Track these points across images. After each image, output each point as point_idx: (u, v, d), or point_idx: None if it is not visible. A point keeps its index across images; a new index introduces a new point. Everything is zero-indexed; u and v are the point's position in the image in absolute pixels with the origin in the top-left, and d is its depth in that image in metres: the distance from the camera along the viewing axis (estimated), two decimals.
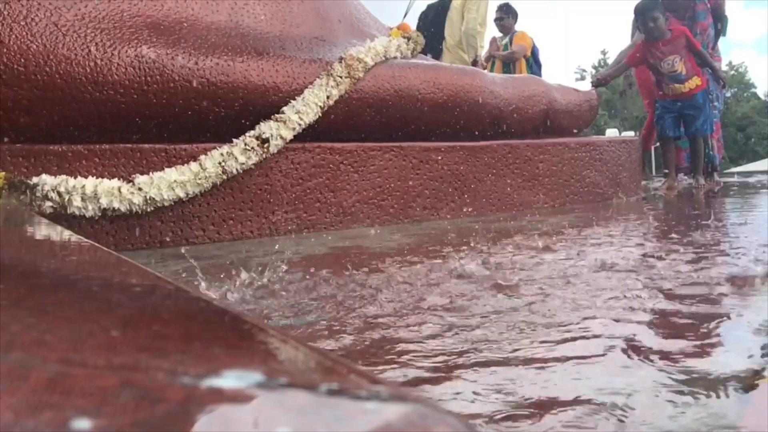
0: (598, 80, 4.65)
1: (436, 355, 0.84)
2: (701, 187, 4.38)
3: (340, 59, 2.53)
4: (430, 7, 5.84)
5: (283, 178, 2.39)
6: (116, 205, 1.99)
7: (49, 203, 1.89)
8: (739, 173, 7.61)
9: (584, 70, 34.59)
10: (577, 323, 0.97)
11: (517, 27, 5.97)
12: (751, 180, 5.48)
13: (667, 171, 4.82)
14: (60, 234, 0.91)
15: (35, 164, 1.99)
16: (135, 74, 2.10)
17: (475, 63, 5.34)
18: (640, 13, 4.34)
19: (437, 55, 5.37)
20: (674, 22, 4.43)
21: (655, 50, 4.28)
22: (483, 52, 5.28)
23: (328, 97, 2.42)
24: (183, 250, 1.80)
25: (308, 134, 2.40)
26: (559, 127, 3.48)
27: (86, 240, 0.79)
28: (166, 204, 2.09)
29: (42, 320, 0.31)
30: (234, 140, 2.24)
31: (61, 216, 1.91)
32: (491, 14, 5.81)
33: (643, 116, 6.11)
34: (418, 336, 0.94)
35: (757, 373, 0.72)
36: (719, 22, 4.75)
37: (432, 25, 5.59)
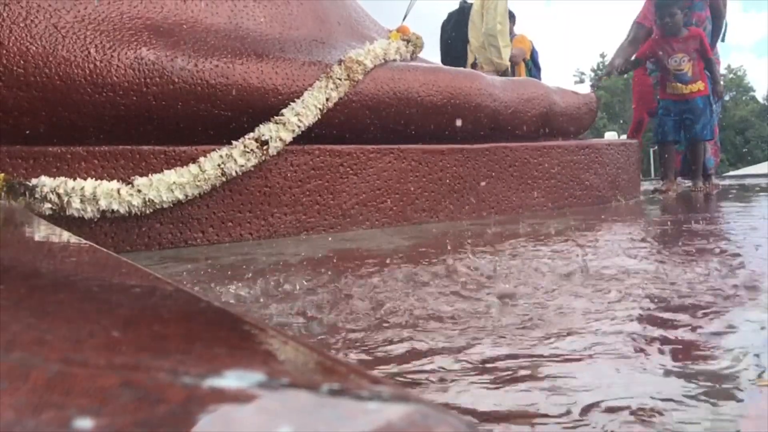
0: (623, 63, 4.69)
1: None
2: (699, 191, 4.39)
3: (340, 62, 2.53)
4: (451, 13, 5.95)
5: (282, 180, 2.39)
6: (115, 206, 1.98)
7: (48, 205, 1.89)
8: (736, 176, 7.62)
9: (583, 73, 34.65)
10: (579, 328, 0.97)
11: (516, 30, 5.99)
12: (748, 183, 5.50)
13: (665, 174, 4.84)
14: (59, 235, 0.91)
15: (34, 166, 1.98)
16: (134, 76, 2.10)
17: (474, 66, 5.36)
18: (659, 6, 4.41)
19: (463, 59, 5.47)
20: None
21: (667, 46, 4.35)
22: (508, 53, 5.29)
23: (327, 100, 2.42)
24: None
25: (307, 136, 2.40)
26: (558, 129, 3.49)
27: (85, 241, 0.79)
28: (165, 206, 2.09)
29: (42, 320, 0.31)
30: (233, 142, 2.24)
31: (60, 217, 1.91)
32: None
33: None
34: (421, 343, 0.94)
35: (758, 377, 0.72)
36: (717, 20, 4.75)
37: (454, 30, 5.70)
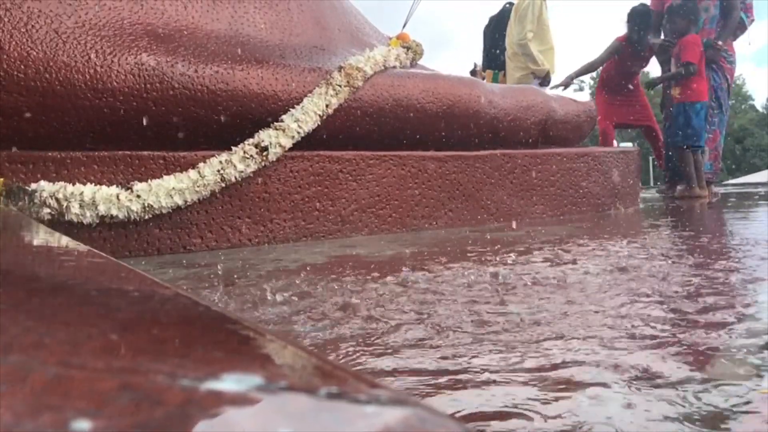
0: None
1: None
2: (691, 197, 4.45)
3: (340, 68, 2.54)
4: (491, 19, 5.99)
5: (281, 186, 2.39)
6: (114, 212, 1.98)
7: (47, 210, 1.89)
8: (735, 185, 7.65)
9: (582, 81, 34.72)
10: (577, 334, 0.97)
11: None
12: (747, 191, 5.52)
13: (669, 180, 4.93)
14: (58, 240, 0.91)
15: (34, 170, 1.99)
16: (135, 81, 2.10)
17: (474, 73, 5.38)
18: (669, 11, 4.70)
19: (501, 64, 5.52)
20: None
21: (673, 50, 4.66)
22: (550, 56, 5.27)
23: (327, 106, 2.43)
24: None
25: (307, 142, 2.40)
26: (557, 137, 3.49)
27: (84, 246, 0.79)
28: (164, 211, 2.09)
29: (41, 323, 0.31)
30: (233, 148, 2.24)
31: (59, 223, 1.91)
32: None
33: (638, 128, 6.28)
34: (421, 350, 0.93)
35: (756, 384, 0.72)
36: (728, 11, 4.77)
37: (493, 35, 5.74)
